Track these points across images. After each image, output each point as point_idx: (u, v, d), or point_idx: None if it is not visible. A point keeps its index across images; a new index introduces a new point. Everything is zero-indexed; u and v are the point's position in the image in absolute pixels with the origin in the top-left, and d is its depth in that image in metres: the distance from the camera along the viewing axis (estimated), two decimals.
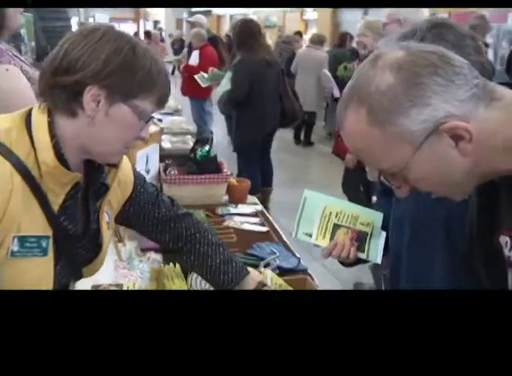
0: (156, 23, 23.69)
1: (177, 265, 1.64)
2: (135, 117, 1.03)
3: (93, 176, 1.15)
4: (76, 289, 1.37)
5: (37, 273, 1.06)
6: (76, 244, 1.15)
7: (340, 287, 3.40)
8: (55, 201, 1.06)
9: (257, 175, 4.22)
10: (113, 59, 0.98)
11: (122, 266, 1.84)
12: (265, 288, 1.40)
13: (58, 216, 1.08)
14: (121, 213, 1.31)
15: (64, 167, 1.03)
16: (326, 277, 3.35)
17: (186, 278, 1.61)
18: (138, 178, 1.34)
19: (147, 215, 1.35)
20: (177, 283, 1.52)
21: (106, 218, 1.23)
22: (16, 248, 1.01)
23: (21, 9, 1.71)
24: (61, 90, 1.00)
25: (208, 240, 1.40)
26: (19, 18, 1.73)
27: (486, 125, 0.79)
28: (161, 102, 1.08)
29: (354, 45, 7.62)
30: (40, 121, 1.03)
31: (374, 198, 3.69)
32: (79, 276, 1.23)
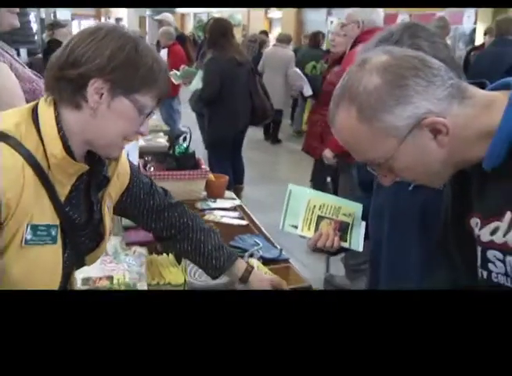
0: (118, 20, 23.36)
1: (170, 255, 1.71)
2: (136, 110, 1.09)
3: (95, 169, 1.20)
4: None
5: (48, 261, 1.11)
6: (80, 232, 1.20)
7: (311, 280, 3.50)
8: (62, 192, 1.12)
9: (229, 172, 4.29)
10: (117, 55, 1.04)
11: (109, 260, 1.89)
12: (253, 272, 1.48)
13: (64, 206, 1.13)
14: (119, 203, 1.36)
15: (71, 158, 1.08)
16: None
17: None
18: (133, 169, 1.40)
19: (143, 204, 1.41)
20: (173, 271, 1.58)
21: (107, 209, 1.28)
22: (29, 236, 1.05)
23: (16, 9, 1.72)
24: (67, 83, 1.05)
25: (200, 228, 1.47)
26: (12, 17, 1.74)
27: (459, 120, 0.90)
28: (160, 98, 1.13)
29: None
30: (47, 114, 1.08)
31: (328, 179, 3.88)
32: (81, 264, 1.28)
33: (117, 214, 1.43)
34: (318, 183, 3.94)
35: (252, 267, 1.50)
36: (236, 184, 4.49)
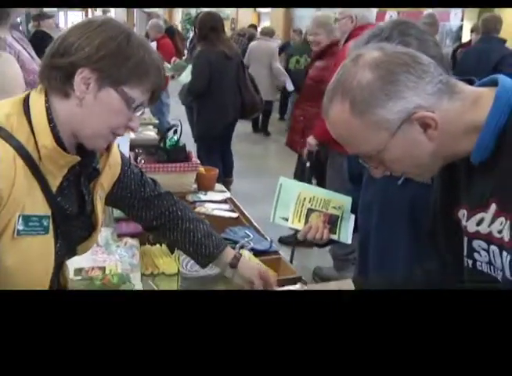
0: (105, 12, 23.11)
1: (163, 245, 1.73)
2: (123, 103, 1.08)
3: (86, 161, 1.20)
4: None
5: (40, 251, 1.12)
6: (72, 223, 1.21)
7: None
8: (54, 183, 1.13)
9: (218, 165, 4.31)
10: (107, 44, 1.04)
11: (101, 251, 1.91)
12: (242, 259, 1.49)
13: (55, 196, 1.14)
14: (110, 194, 1.37)
15: (62, 150, 1.09)
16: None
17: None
18: (124, 160, 1.41)
19: (133, 194, 1.42)
20: (166, 261, 1.61)
21: (99, 199, 1.29)
22: (21, 227, 1.06)
23: None
24: (57, 71, 1.06)
25: (189, 217, 1.48)
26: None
27: (448, 115, 0.93)
28: (153, 94, 1.13)
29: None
30: (38, 104, 1.08)
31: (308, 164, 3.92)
32: (73, 254, 1.29)
33: (108, 204, 1.44)
34: (299, 178, 4.03)
35: (241, 254, 1.51)
36: (225, 177, 4.51)
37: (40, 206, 1.10)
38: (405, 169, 1.03)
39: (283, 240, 3.97)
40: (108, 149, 1.25)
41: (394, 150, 0.96)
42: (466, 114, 0.94)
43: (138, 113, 1.14)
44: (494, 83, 0.96)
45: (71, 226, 1.21)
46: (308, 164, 4.02)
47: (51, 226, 1.13)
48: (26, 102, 1.10)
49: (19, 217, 1.06)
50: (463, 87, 0.97)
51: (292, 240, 4.03)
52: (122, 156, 1.40)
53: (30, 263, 1.10)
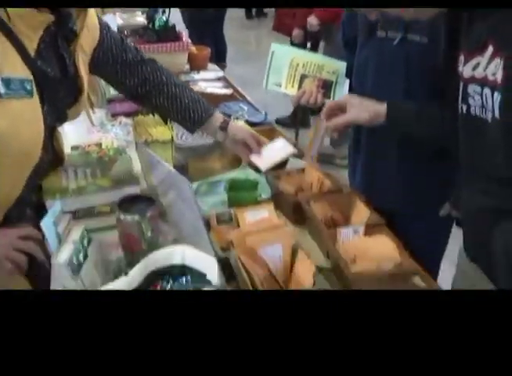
0: None
1: (156, 115, 1.73)
2: None
3: (62, 21, 1.17)
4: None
5: (27, 115, 1.12)
6: (57, 87, 1.21)
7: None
8: (31, 46, 1.11)
9: (211, 49, 4.21)
10: None
11: (97, 130, 1.91)
12: (232, 122, 1.50)
13: (35, 60, 1.13)
14: (92, 59, 1.36)
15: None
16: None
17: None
18: (102, 24, 1.39)
19: (115, 59, 1.41)
20: (159, 129, 1.61)
21: (82, 62, 1.28)
22: (3, 90, 1.05)
23: None
24: None
25: (174, 82, 1.47)
26: None
27: None
28: None
29: None
30: None
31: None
32: (64, 119, 1.31)
33: (92, 72, 1.42)
34: None
35: (228, 120, 1.51)
36: (218, 62, 4.42)
37: (20, 70, 1.09)
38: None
39: (279, 121, 3.98)
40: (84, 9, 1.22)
41: None
42: None
43: None
44: None
45: (56, 91, 1.21)
46: (309, 45, 3.97)
47: (35, 90, 1.12)
48: None
49: None
50: None
51: (288, 122, 4.06)
52: (100, 20, 1.38)
53: (19, 126, 1.10)
